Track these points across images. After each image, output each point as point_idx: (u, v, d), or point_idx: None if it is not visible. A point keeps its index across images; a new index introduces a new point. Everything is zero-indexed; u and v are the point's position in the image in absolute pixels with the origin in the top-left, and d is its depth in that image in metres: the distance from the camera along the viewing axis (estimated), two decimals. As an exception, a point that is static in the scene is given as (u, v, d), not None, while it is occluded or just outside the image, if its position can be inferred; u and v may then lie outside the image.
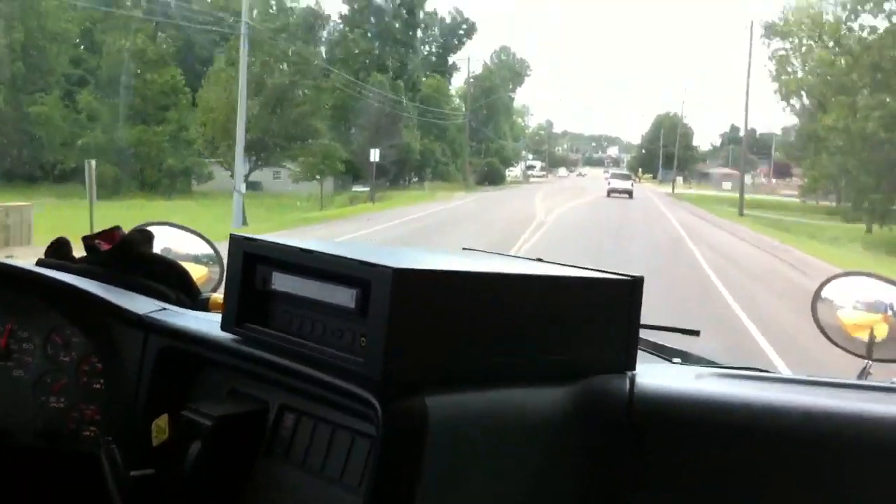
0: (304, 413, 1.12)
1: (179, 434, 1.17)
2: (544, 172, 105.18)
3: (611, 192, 45.05)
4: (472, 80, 63.16)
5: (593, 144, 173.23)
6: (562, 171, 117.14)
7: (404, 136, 43.70)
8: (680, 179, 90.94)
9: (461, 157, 54.96)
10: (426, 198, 38.02)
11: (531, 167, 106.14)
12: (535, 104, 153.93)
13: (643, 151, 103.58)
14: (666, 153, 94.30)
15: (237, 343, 1.16)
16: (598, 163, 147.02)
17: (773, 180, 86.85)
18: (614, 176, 52.86)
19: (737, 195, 41.58)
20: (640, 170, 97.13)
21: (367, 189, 37.93)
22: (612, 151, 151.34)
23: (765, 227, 28.79)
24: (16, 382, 1.46)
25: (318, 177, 34.36)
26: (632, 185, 47.96)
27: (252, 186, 32.05)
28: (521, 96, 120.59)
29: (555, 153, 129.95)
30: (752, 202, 44.39)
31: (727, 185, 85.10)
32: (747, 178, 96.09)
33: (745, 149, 47.41)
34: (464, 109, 57.34)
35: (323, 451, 1.08)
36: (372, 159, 33.40)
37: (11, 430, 1.43)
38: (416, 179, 49.93)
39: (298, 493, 1.09)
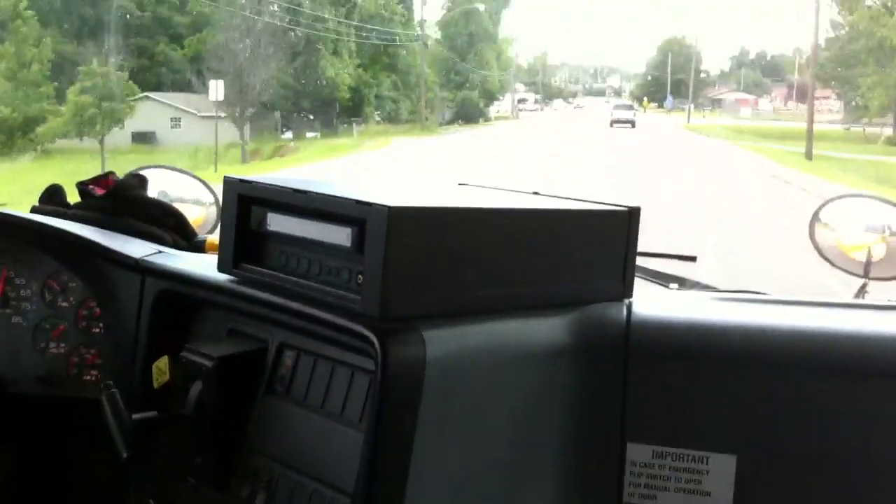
0: (304, 351, 1.13)
1: (180, 375, 1.17)
2: (538, 106, 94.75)
3: (613, 122, 46.40)
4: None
5: (592, 72, 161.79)
6: (557, 103, 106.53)
7: (327, 66, 33.36)
8: (690, 108, 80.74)
9: (419, 91, 44.53)
10: (345, 148, 28.27)
11: (522, 101, 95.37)
12: (529, 35, 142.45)
13: (649, 79, 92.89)
14: (674, 80, 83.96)
15: (234, 284, 1.16)
16: (600, 93, 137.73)
17: (793, 104, 76.54)
18: (616, 107, 54.70)
19: (760, 124, 33.24)
20: (644, 98, 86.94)
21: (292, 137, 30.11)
22: (613, 81, 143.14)
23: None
24: (15, 329, 1.47)
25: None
26: (634, 115, 49.32)
27: (140, 138, 27.04)
28: (511, 26, 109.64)
29: (550, 84, 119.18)
30: (789, 133, 35.42)
31: (745, 111, 74.35)
32: (764, 104, 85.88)
33: (813, 54, 30.66)
34: (419, 30, 45.57)
35: (323, 387, 1.09)
36: (213, 97, 24.43)
37: (12, 378, 1.45)
38: (360, 121, 38.39)
39: (300, 430, 1.10)
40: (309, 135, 34.20)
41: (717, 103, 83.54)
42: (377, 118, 39.65)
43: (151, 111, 29.94)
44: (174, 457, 1.20)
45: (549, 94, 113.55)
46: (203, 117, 30.02)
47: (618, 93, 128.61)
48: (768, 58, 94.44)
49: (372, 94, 38.61)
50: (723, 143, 33.95)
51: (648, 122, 55.19)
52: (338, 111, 35.83)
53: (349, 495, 1.02)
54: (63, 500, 1.48)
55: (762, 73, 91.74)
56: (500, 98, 70.26)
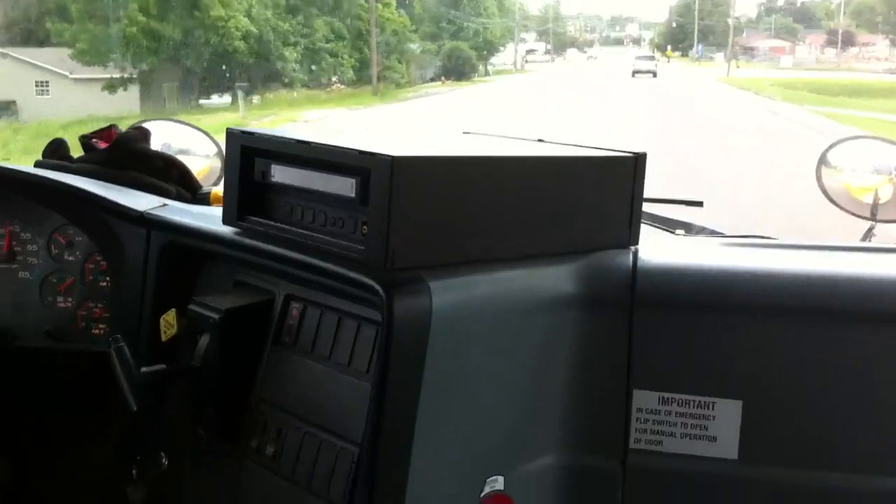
0: (310, 302, 1.13)
1: (188, 328, 1.18)
2: (550, 56, 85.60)
3: (635, 72, 47.03)
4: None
5: (608, 20, 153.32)
6: (570, 53, 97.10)
7: (212, 3, 23.79)
8: (720, 57, 71.92)
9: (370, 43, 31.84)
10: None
11: (531, 51, 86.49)
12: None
13: (673, 26, 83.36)
14: (701, 27, 74.66)
15: (239, 236, 1.16)
16: (617, 42, 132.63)
17: (831, 52, 67.43)
18: (638, 58, 55.25)
19: (808, 76, 31.15)
20: (668, 48, 77.82)
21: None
22: (632, 29, 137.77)
23: None
24: (22, 284, 1.47)
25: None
26: (655, 65, 50.33)
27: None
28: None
29: (563, 33, 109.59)
30: (859, 88, 28.85)
31: (786, 60, 64.99)
32: (802, 52, 76.48)
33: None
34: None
35: (330, 338, 1.09)
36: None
37: (21, 332, 1.46)
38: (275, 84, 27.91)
39: (308, 381, 1.10)
40: (212, 101, 25.48)
41: (749, 52, 74.57)
42: (305, 80, 28.89)
43: (7, 72, 21.80)
44: (183, 409, 1.20)
45: (561, 43, 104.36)
46: (77, 80, 21.63)
47: (636, 41, 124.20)
48: (798, 4, 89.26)
49: (290, 46, 27.48)
50: (783, 106, 24.77)
51: (677, 75, 46.69)
52: (239, 70, 25.74)
53: (358, 445, 1.03)
54: (72, 454, 1.48)
55: (793, 20, 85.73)
56: (502, 49, 61.20)
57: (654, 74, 46.11)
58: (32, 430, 1.48)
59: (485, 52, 52.52)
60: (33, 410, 1.46)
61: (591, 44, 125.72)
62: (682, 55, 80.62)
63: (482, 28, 52.47)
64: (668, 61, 76.53)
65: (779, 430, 1.11)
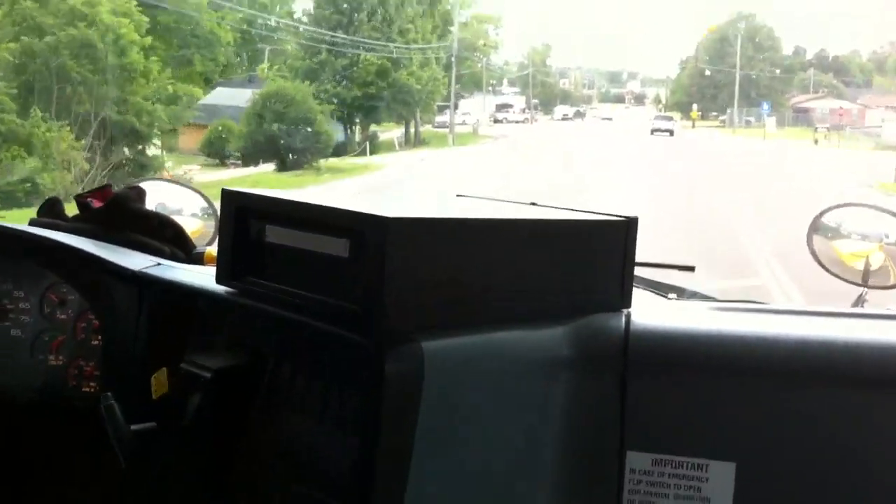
0: (302, 362, 1.12)
1: (179, 387, 1.17)
2: (526, 116, 63.12)
3: (654, 130, 46.50)
4: None
5: (607, 75, 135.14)
6: (560, 111, 74.68)
7: None
8: (772, 122, 49.69)
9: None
10: None
11: (505, 107, 63.56)
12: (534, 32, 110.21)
13: (703, 75, 61.11)
14: (745, 77, 52.34)
15: (233, 296, 1.16)
16: (618, 100, 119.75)
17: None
18: (657, 118, 53.53)
19: None
20: (694, 107, 55.52)
21: None
22: (633, 86, 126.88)
23: None
24: (13, 342, 1.48)
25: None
26: (672, 125, 48.44)
27: None
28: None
29: (552, 84, 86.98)
30: None
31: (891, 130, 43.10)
32: (874, 116, 55.44)
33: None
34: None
35: (321, 398, 1.08)
36: None
37: (11, 390, 1.45)
38: None
39: (298, 441, 1.10)
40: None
41: (801, 115, 52.17)
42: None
43: None
44: (172, 468, 1.19)
45: (548, 97, 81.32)
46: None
47: (639, 98, 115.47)
48: (830, 58, 73.06)
49: None
50: None
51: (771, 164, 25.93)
52: None
53: None
54: None
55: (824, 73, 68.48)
56: (439, 111, 38.90)
57: (672, 133, 45.68)
58: (21, 486, 1.48)
59: (398, 106, 30.18)
60: (22, 467, 1.47)
61: (588, 100, 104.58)
62: (717, 118, 58.97)
63: (402, 81, 29.74)
64: (693, 125, 53.93)
65: (772, 492, 1.11)
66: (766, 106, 44.66)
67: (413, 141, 38.56)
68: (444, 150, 34.04)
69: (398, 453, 0.97)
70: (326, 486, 1.03)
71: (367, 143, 31.10)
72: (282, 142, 24.91)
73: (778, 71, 58.87)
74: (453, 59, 37.11)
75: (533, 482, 1.10)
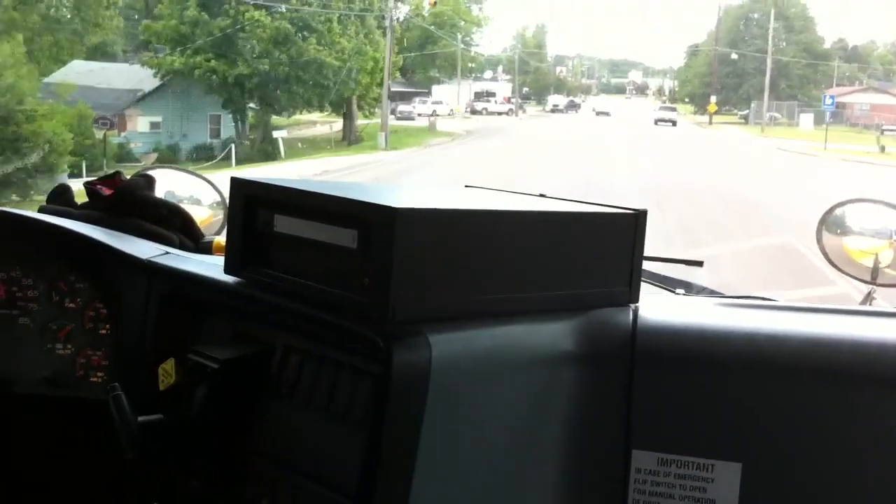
0: (309, 353, 1.12)
1: (186, 378, 1.18)
2: (511, 107, 53.72)
3: (657, 121, 45.74)
4: None
5: (609, 64, 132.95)
6: (553, 100, 65.11)
7: None
8: (809, 119, 41.85)
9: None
10: None
11: (485, 96, 54.79)
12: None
13: (726, 61, 51.94)
14: (779, 65, 43.95)
15: (241, 286, 1.16)
16: (619, 91, 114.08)
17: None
18: (661, 108, 52.02)
19: None
20: (712, 99, 46.63)
21: None
22: (635, 76, 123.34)
23: None
24: (21, 330, 1.47)
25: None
26: (675, 115, 47.46)
27: None
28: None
29: (546, 73, 77.89)
30: None
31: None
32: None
33: None
34: None
35: (328, 390, 1.08)
36: None
37: (19, 378, 1.45)
38: None
39: (305, 433, 1.10)
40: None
41: (838, 111, 43.50)
42: None
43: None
44: (179, 458, 1.19)
45: (541, 86, 72.14)
46: None
47: (641, 89, 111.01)
48: (849, 47, 66.15)
49: None
50: None
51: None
52: None
53: (354, 498, 1.02)
54: (67, 499, 1.48)
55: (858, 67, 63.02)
56: (371, 109, 29.44)
57: (674, 123, 44.76)
58: (28, 477, 1.48)
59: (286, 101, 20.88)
60: (29, 457, 1.47)
61: (587, 89, 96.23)
62: (735, 112, 49.75)
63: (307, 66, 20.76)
64: (710, 122, 45.41)
65: (777, 493, 1.11)
66: (828, 99, 34.87)
67: (349, 137, 29.08)
68: (354, 157, 22.85)
69: (404, 445, 0.97)
70: (333, 478, 1.03)
71: (256, 142, 21.70)
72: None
73: (803, 60, 49.67)
74: (388, 21, 25.14)
75: (538, 478, 1.10)
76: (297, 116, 30.61)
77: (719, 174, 20.86)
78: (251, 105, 24.26)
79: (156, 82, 23.90)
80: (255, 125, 25.19)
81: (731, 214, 13.87)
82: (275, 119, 26.44)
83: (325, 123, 32.95)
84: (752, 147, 31.12)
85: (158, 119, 24.31)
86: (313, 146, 26.66)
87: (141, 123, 24.25)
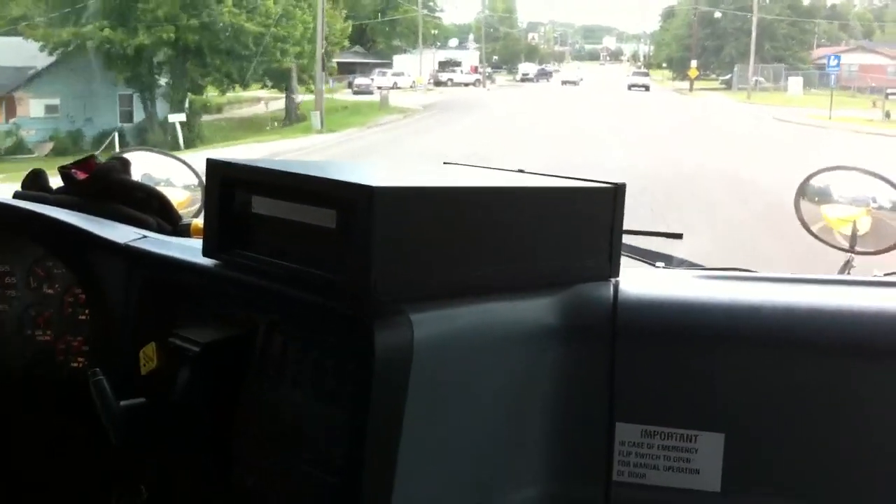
0: (292, 333, 1.12)
1: (168, 361, 1.17)
2: (478, 77, 50.40)
3: (630, 86, 45.47)
4: None
5: (581, 30, 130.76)
6: (524, 69, 61.77)
7: None
8: (798, 83, 38.06)
9: None
10: None
11: (450, 65, 51.58)
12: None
13: (707, 21, 49.00)
14: (763, 25, 41.25)
15: (220, 269, 1.16)
16: (593, 57, 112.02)
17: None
18: (634, 74, 53.89)
19: None
20: (693, 63, 43.69)
21: None
22: (609, 42, 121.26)
23: None
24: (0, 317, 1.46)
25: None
26: (648, 80, 47.91)
27: None
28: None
29: (516, 39, 74.65)
30: None
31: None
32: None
33: None
34: None
35: (312, 370, 1.08)
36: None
37: None
38: None
39: (289, 413, 1.10)
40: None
41: (823, 77, 40.63)
42: None
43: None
44: (163, 442, 1.18)
45: (511, 53, 68.81)
46: None
47: (615, 55, 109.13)
48: (827, 5, 61.13)
49: None
50: None
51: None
52: None
53: (340, 476, 1.02)
54: (51, 487, 1.47)
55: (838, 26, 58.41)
56: (308, 81, 25.97)
57: (647, 88, 44.90)
58: (9, 463, 1.47)
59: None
60: (10, 444, 1.46)
61: (560, 57, 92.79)
62: (715, 78, 46.81)
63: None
64: (691, 88, 42.44)
65: (761, 462, 1.12)
66: (833, 60, 31.59)
67: (290, 116, 25.70)
68: (276, 143, 19.30)
69: (388, 423, 0.97)
70: (317, 458, 1.03)
71: (153, 128, 18.36)
72: None
73: (789, 18, 46.76)
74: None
75: (522, 452, 1.11)
76: (240, 93, 27.05)
77: (721, 158, 16.22)
78: (164, 82, 20.88)
79: (52, 58, 20.44)
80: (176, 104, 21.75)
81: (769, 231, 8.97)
82: (200, 98, 23.01)
83: (275, 100, 29.50)
84: (746, 118, 27.63)
85: (55, 102, 21.05)
86: (244, 128, 23.24)
87: (34, 107, 21.07)
